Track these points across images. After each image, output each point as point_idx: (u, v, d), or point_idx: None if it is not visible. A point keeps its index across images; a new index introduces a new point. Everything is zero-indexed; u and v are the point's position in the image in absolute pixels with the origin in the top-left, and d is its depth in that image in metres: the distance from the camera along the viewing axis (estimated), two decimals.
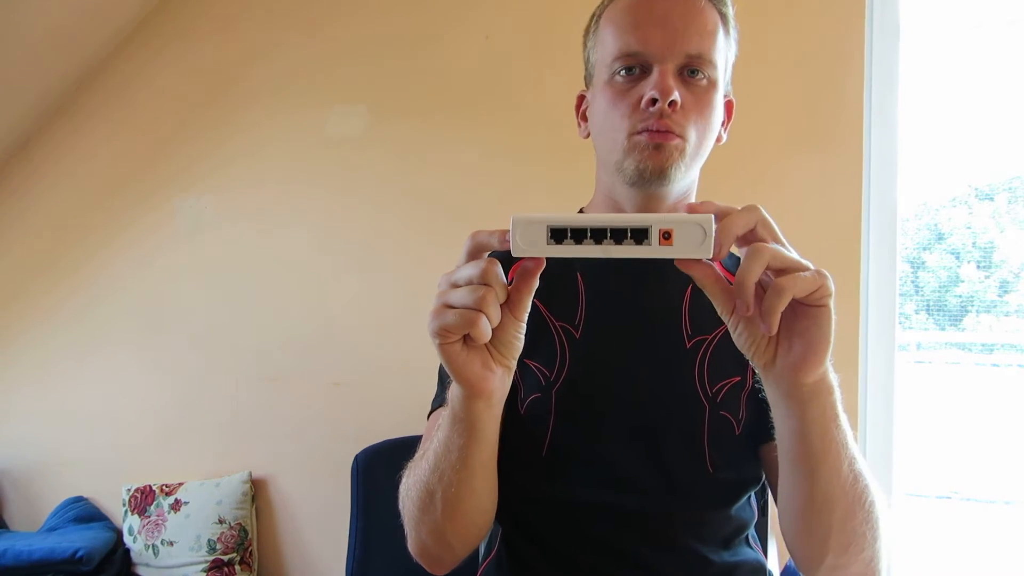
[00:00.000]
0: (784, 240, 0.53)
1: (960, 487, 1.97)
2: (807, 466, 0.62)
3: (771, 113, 1.74)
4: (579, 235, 0.50)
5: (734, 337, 0.57)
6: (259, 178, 2.08)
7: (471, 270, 0.54)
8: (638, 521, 0.79)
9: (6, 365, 2.23)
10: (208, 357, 2.10)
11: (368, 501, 1.57)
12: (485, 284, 0.54)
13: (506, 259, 0.53)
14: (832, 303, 0.53)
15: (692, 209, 0.52)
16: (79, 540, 1.87)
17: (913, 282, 1.92)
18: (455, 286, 0.55)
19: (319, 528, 2.02)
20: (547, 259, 0.53)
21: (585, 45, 0.88)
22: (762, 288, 0.53)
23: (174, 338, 2.12)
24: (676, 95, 0.75)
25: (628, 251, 0.49)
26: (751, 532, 0.88)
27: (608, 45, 0.81)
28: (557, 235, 0.50)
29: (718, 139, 0.86)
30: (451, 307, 0.54)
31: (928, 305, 1.93)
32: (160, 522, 1.96)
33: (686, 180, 0.82)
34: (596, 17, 0.85)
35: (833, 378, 0.59)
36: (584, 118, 0.89)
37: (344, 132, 2.02)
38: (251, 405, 2.07)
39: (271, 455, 2.05)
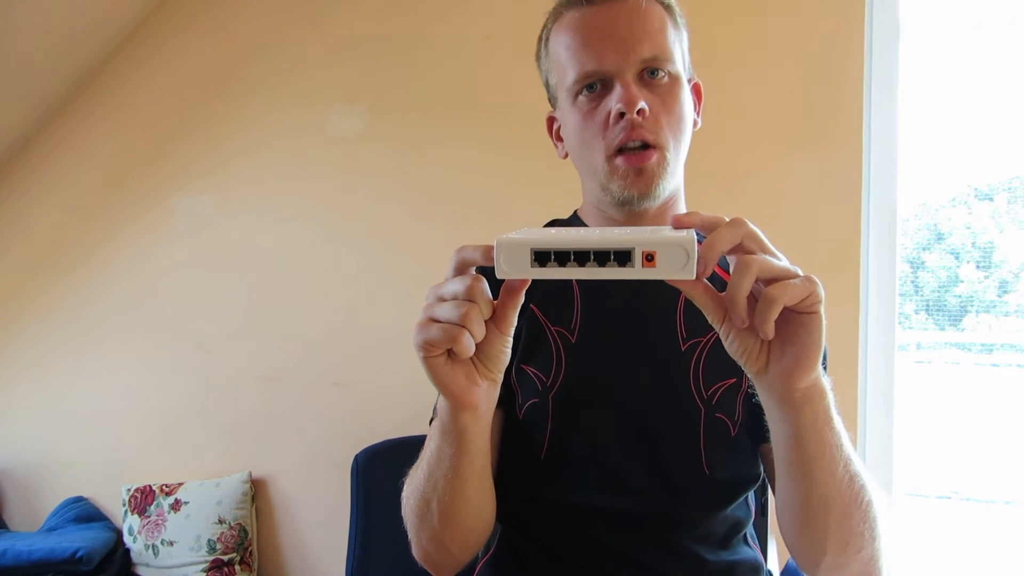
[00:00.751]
0: (772, 248, 0.53)
1: (960, 487, 1.97)
2: (803, 469, 0.62)
3: (771, 113, 1.74)
4: (562, 258, 0.50)
5: (726, 345, 0.57)
6: (258, 176, 2.08)
7: (456, 286, 0.55)
8: (636, 522, 0.80)
9: (6, 365, 2.23)
10: (208, 357, 2.10)
11: (368, 501, 1.57)
12: (470, 300, 0.54)
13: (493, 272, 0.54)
14: (823, 309, 0.53)
15: (677, 223, 0.53)
16: (79, 540, 1.87)
17: (913, 282, 1.92)
18: (441, 300, 0.56)
19: (319, 528, 2.02)
20: None
21: (540, 68, 0.89)
22: (753, 297, 0.53)
23: (174, 338, 2.12)
24: (642, 103, 0.76)
25: (611, 273, 0.50)
26: (749, 531, 0.89)
27: (563, 68, 0.82)
28: (541, 258, 0.50)
29: (694, 125, 0.86)
30: (436, 321, 0.55)
31: (928, 305, 1.93)
32: (160, 522, 1.96)
33: (672, 184, 0.83)
34: (544, 40, 0.87)
35: (826, 381, 0.59)
36: (559, 138, 0.90)
37: (344, 131, 2.02)
38: (251, 405, 2.07)
39: (271, 455, 2.05)
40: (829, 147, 1.69)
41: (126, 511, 2.00)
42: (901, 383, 1.68)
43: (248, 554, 1.98)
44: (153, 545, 1.95)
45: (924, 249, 1.96)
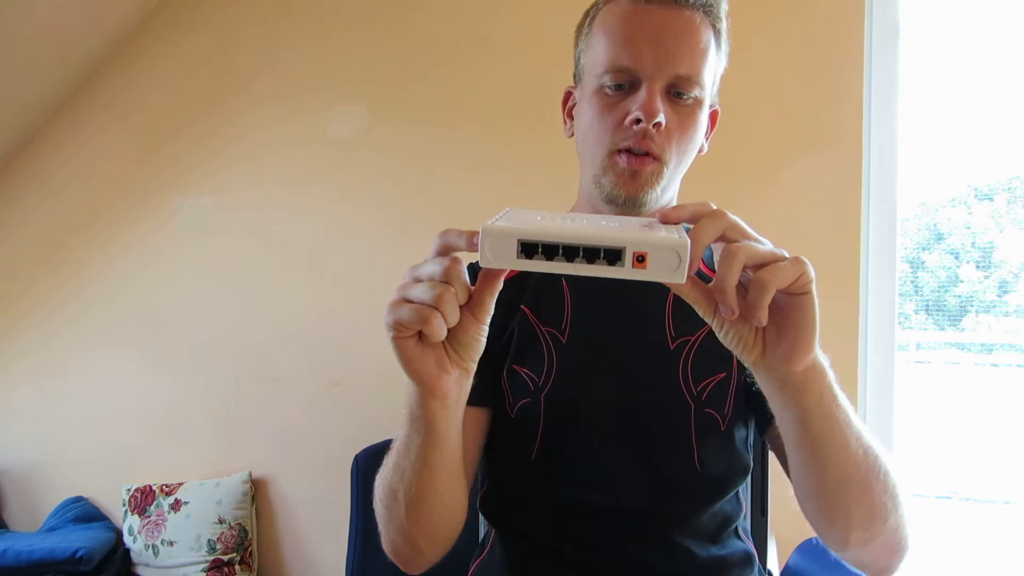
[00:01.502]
0: (755, 234, 0.53)
1: (960, 487, 1.97)
2: (815, 450, 0.62)
3: (771, 113, 1.74)
4: (550, 251, 0.48)
5: (720, 337, 0.57)
6: (259, 179, 2.08)
7: (433, 267, 0.54)
8: (628, 520, 0.80)
9: (7, 365, 2.23)
10: (208, 357, 2.10)
11: (368, 501, 1.56)
12: (445, 282, 0.53)
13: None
14: (814, 288, 0.53)
15: (664, 217, 0.52)
16: (79, 540, 1.87)
17: (913, 282, 1.93)
18: (417, 280, 0.54)
19: (319, 528, 2.02)
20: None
21: (577, 43, 0.88)
22: (742, 286, 0.53)
23: (174, 338, 2.12)
24: (661, 117, 0.76)
25: (599, 271, 0.48)
26: (742, 524, 0.89)
27: (599, 53, 0.81)
28: (527, 249, 0.48)
29: (700, 151, 0.87)
30: (408, 301, 0.54)
31: (928, 305, 1.93)
32: (160, 522, 1.96)
33: (665, 197, 0.84)
34: (590, 17, 0.85)
35: (824, 360, 0.58)
36: (570, 115, 0.90)
37: (344, 132, 2.02)
38: (251, 405, 2.07)
39: (271, 455, 2.05)
40: (829, 147, 1.69)
41: (126, 511, 2.00)
42: (901, 383, 1.68)
43: (248, 554, 1.98)
44: (153, 545, 1.95)
45: (924, 249, 1.96)
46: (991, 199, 1.93)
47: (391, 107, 2.00)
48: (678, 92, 0.79)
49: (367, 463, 1.60)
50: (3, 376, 2.23)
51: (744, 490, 0.89)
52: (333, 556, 1.96)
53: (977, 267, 1.91)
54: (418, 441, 0.64)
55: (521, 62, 1.91)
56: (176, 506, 1.97)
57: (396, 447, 0.69)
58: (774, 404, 0.62)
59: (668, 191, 0.84)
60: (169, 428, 2.11)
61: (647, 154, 0.78)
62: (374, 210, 2.00)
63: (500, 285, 0.55)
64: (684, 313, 0.82)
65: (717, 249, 0.53)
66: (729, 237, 0.52)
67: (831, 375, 0.59)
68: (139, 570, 1.97)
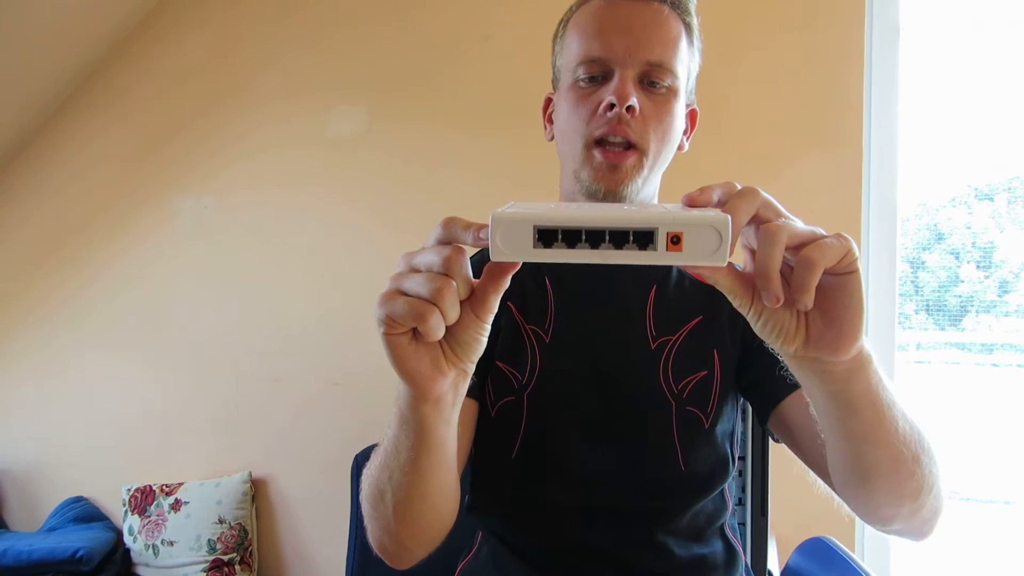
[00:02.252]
0: (788, 214, 0.49)
1: (960, 487, 1.97)
2: (867, 438, 0.58)
3: (771, 113, 1.74)
4: (572, 237, 0.42)
5: (756, 328, 0.51)
6: (259, 178, 2.08)
7: (432, 256, 0.48)
8: (609, 519, 0.80)
9: (7, 365, 2.22)
10: (208, 357, 2.10)
11: None
12: (445, 275, 0.47)
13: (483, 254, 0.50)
14: (860, 266, 0.48)
15: (691, 201, 0.47)
16: (79, 540, 1.87)
17: (913, 282, 1.93)
18: (413, 271, 0.49)
19: (319, 528, 2.02)
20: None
21: (553, 50, 0.90)
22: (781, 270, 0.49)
23: (174, 338, 2.12)
24: (634, 100, 0.77)
25: (630, 257, 0.42)
26: (730, 522, 0.89)
27: (572, 50, 0.82)
28: (546, 237, 0.42)
29: (680, 147, 0.87)
30: (403, 294, 0.48)
31: (928, 305, 1.93)
32: (160, 522, 1.96)
33: (645, 191, 0.83)
34: (564, 22, 0.87)
35: (868, 345, 0.54)
36: (550, 120, 0.91)
37: (344, 133, 2.02)
38: (251, 405, 2.06)
39: (271, 455, 2.05)
40: (829, 147, 1.69)
41: (126, 511, 2.00)
42: (901, 383, 1.68)
43: (248, 554, 1.98)
44: (153, 545, 1.95)
45: (924, 249, 1.96)
46: (991, 199, 1.93)
47: (391, 107, 2.00)
48: (651, 81, 0.79)
49: (367, 463, 1.60)
50: (3, 376, 2.23)
51: (729, 488, 0.89)
52: (333, 556, 1.96)
53: (977, 267, 1.91)
54: (407, 444, 0.59)
55: (521, 62, 1.90)
56: (176, 506, 1.97)
57: (385, 446, 0.64)
58: (814, 397, 0.58)
59: (650, 183, 0.83)
60: (169, 428, 2.11)
61: (627, 147, 0.78)
62: (374, 210, 2.00)
63: (508, 281, 0.49)
64: (665, 313, 0.84)
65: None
66: (763, 216, 0.47)
67: (876, 359, 0.55)
68: (139, 570, 1.97)
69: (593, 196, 0.81)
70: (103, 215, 2.16)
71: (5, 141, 2.14)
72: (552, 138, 0.90)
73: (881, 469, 0.61)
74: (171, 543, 1.94)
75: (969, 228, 1.95)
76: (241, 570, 1.94)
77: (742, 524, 1.17)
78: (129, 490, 2.01)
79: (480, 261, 0.86)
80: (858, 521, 1.69)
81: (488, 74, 1.93)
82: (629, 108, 0.77)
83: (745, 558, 0.90)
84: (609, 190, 0.79)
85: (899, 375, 1.68)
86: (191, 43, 2.13)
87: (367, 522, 0.71)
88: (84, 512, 2.07)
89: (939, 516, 0.69)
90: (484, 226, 0.45)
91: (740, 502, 1.18)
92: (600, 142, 0.79)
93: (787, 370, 0.56)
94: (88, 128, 2.18)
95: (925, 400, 1.94)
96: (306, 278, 2.04)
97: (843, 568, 1.03)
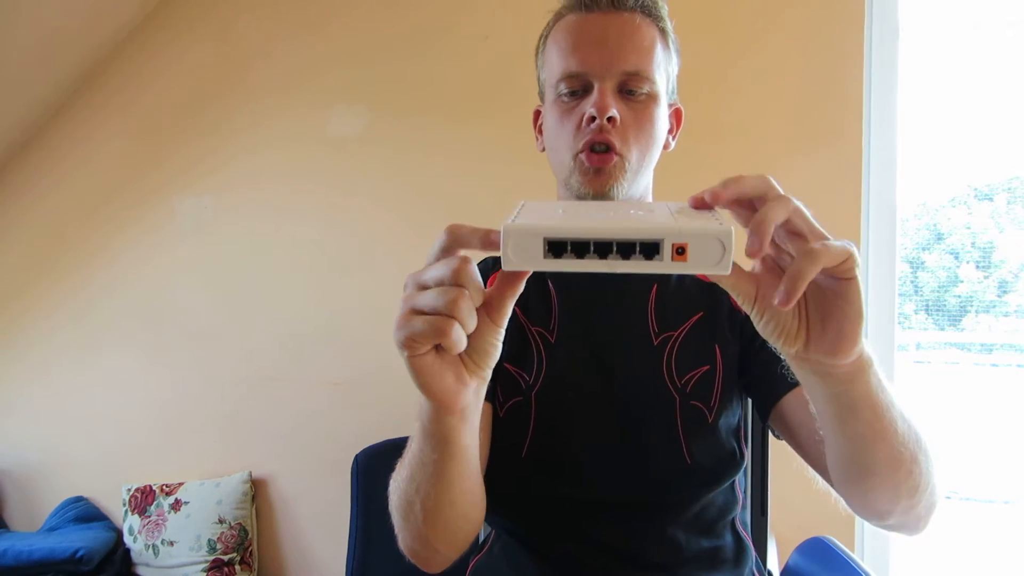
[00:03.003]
0: (816, 223, 0.50)
1: (960, 487, 1.97)
2: (865, 439, 0.60)
3: (771, 113, 1.74)
4: (581, 248, 0.44)
5: (759, 326, 0.53)
6: (259, 177, 2.08)
7: (440, 270, 0.48)
8: (619, 513, 0.81)
9: (7, 365, 2.23)
10: (208, 357, 2.10)
11: (368, 501, 1.57)
12: (458, 285, 0.48)
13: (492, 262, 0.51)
14: (860, 275, 0.50)
15: (697, 203, 0.48)
16: (79, 540, 1.87)
17: (912, 282, 1.93)
18: (423, 287, 0.49)
19: (319, 528, 2.02)
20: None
21: (536, 64, 0.93)
22: (780, 269, 0.51)
23: (174, 337, 2.12)
24: (613, 111, 0.80)
25: (637, 266, 0.44)
26: (740, 516, 0.90)
27: (553, 66, 0.86)
28: (555, 248, 0.44)
29: (666, 146, 0.90)
30: (420, 312, 0.48)
31: (927, 305, 1.94)
32: (160, 522, 1.96)
33: (633, 191, 0.86)
34: (543, 38, 0.90)
35: (869, 347, 0.55)
36: (540, 132, 0.94)
37: (344, 132, 2.02)
38: (251, 405, 2.07)
39: (271, 455, 2.05)
40: (829, 147, 1.70)
41: (126, 511, 2.00)
42: (901, 383, 1.68)
43: (248, 554, 1.98)
44: (153, 545, 1.95)
45: (924, 249, 1.96)
46: (991, 199, 1.93)
47: (391, 106, 2.00)
48: (629, 90, 0.82)
49: (367, 463, 1.60)
50: (3, 376, 2.23)
51: (741, 482, 0.90)
52: (333, 556, 1.96)
53: (977, 267, 1.91)
54: (433, 457, 0.60)
55: (523, 61, 1.90)
56: (176, 506, 1.97)
57: (410, 460, 0.65)
58: (814, 397, 0.59)
59: (637, 184, 0.86)
60: (169, 428, 2.11)
61: (608, 150, 0.81)
62: (375, 209, 2.00)
63: (522, 287, 0.50)
64: (667, 309, 0.86)
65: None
66: (794, 223, 0.48)
67: (876, 361, 0.56)
68: (139, 570, 1.97)
69: (583, 200, 0.84)
70: (102, 214, 2.16)
71: (5, 140, 2.15)
72: (543, 149, 0.93)
73: (879, 468, 0.62)
74: (171, 543, 1.94)
75: (969, 228, 1.95)
76: (241, 570, 1.95)
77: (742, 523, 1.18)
78: (129, 490, 2.02)
79: (486, 269, 0.89)
80: (858, 521, 1.70)
81: (488, 72, 1.93)
82: (610, 119, 0.80)
83: (755, 553, 0.91)
84: (597, 192, 0.82)
85: (899, 375, 1.68)
86: (190, 43, 2.13)
87: (397, 531, 0.73)
88: (84, 512, 2.07)
89: (934, 512, 0.70)
90: (491, 232, 0.46)
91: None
92: (584, 149, 0.82)
93: (787, 367, 0.57)
94: (88, 128, 2.18)
95: (925, 400, 1.95)
96: (306, 278, 2.04)
97: (843, 568, 1.03)
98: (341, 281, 2.02)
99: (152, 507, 1.98)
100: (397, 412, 1.85)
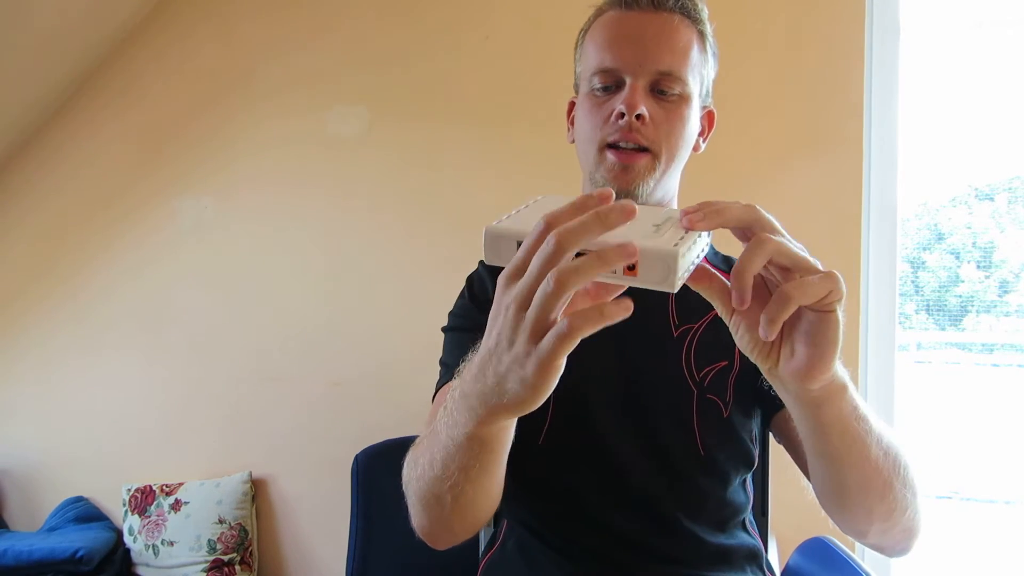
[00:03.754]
0: (789, 237, 0.49)
1: (960, 487, 1.97)
2: (834, 460, 0.61)
3: (771, 113, 1.74)
4: None
5: (736, 338, 0.54)
6: (259, 179, 2.08)
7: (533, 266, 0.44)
8: (635, 504, 0.82)
9: (8, 365, 2.22)
10: (208, 357, 2.10)
11: (368, 501, 1.57)
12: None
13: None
14: (841, 308, 0.49)
15: (691, 225, 0.48)
16: (79, 540, 1.87)
17: (913, 282, 1.93)
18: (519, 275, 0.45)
19: (319, 528, 2.02)
20: None
21: (575, 58, 0.94)
22: (766, 288, 0.50)
23: (174, 338, 2.12)
24: (643, 109, 0.81)
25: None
26: (748, 517, 0.91)
27: (588, 59, 0.87)
28: None
29: (695, 148, 0.90)
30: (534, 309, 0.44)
31: (928, 305, 1.93)
32: (160, 522, 1.96)
33: (659, 191, 0.86)
34: (583, 32, 0.91)
35: (843, 374, 0.55)
36: (572, 123, 0.95)
37: (344, 133, 2.02)
38: (251, 405, 2.06)
39: (271, 455, 2.05)
40: (829, 147, 1.69)
41: (126, 511, 2.00)
42: (901, 383, 1.68)
43: (248, 554, 1.98)
44: (153, 545, 1.95)
45: (924, 249, 1.96)
46: (992, 199, 1.93)
47: (392, 107, 2.00)
48: (661, 90, 0.83)
49: (367, 463, 1.60)
50: (3, 376, 2.23)
51: (749, 483, 0.90)
52: (333, 556, 1.95)
53: (978, 267, 1.91)
54: (474, 453, 0.58)
55: (523, 61, 1.91)
56: (176, 506, 1.97)
57: (442, 456, 0.61)
58: (792, 413, 0.60)
59: (663, 186, 0.86)
60: (169, 428, 2.11)
61: (638, 149, 0.82)
62: (375, 209, 2.00)
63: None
64: (687, 302, 0.85)
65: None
66: (777, 261, 0.48)
67: (852, 388, 0.56)
68: (139, 570, 1.97)
69: None
70: (103, 215, 2.16)
71: (6, 141, 2.15)
72: (573, 141, 0.94)
73: (849, 490, 0.64)
74: (171, 543, 1.94)
75: (969, 228, 1.95)
76: (241, 570, 1.94)
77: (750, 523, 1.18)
78: (129, 490, 2.02)
79: (480, 274, 0.90)
80: None
81: (488, 74, 1.93)
82: (639, 116, 0.80)
83: (765, 553, 0.91)
84: (622, 189, 0.83)
85: (899, 375, 1.68)
86: (191, 43, 2.13)
87: (415, 515, 0.71)
88: (84, 512, 2.07)
89: (914, 538, 0.72)
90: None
91: None
92: (612, 146, 0.83)
93: None
94: (88, 129, 2.18)
95: (925, 400, 1.94)
96: (306, 278, 2.04)
97: (843, 568, 1.03)
98: (341, 281, 2.02)
99: (152, 507, 1.98)
100: (397, 412, 1.85)
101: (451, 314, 0.93)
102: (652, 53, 0.81)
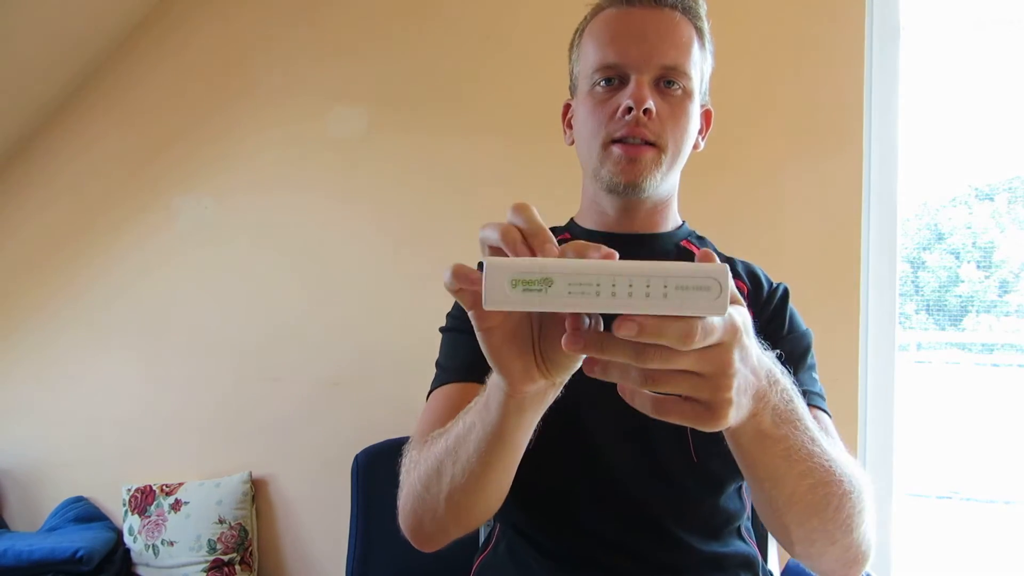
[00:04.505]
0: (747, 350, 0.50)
1: (960, 487, 1.97)
2: (750, 476, 0.62)
3: (771, 113, 1.73)
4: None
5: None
6: (259, 179, 2.08)
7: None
8: (627, 510, 0.81)
9: (7, 365, 2.22)
10: (208, 357, 2.10)
11: (368, 501, 1.57)
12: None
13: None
14: (733, 394, 0.48)
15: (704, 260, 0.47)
16: (79, 540, 1.87)
17: (913, 282, 1.93)
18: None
19: (319, 528, 2.02)
20: None
21: (570, 58, 0.94)
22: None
23: (174, 338, 2.12)
24: (650, 103, 0.80)
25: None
26: (745, 524, 0.90)
27: (589, 58, 0.86)
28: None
29: (695, 147, 0.90)
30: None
31: (928, 305, 1.93)
32: (160, 522, 1.96)
33: (664, 187, 0.86)
34: (579, 32, 0.91)
35: (759, 394, 0.53)
36: (569, 126, 0.95)
37: (344, 133, 2.01)
38: (251, 405, 2.06)
39: (271, 455, 2.05)
40: (829, 147, 1.69)
41: (126, 511, 2.00)
42: (901, 383, 1.68)
43: (248, 554, 1.98)
44: (153, 545, 1.95)
45: (924, 249, 1.96)
46: (992, 199, 1.93)
47: (392, 108, 2.00)
48: (667, 82, 0.83)
49: (367, 463, 1.60)
50: (3, 376, 2.23)
51: (746, 489, 0.90)
52: (333, 556, 1.95)
53: (978, 267, 1.91)
54: (480, 435, 0.61)
55: (526, 64, 1.91)
56: (176, 506, 1.97)
57: (455, 436, 0.65)
58: None
59: (668, 180, 0.86)
60: (169, 428, 2.11)
61: (643, 143, 0.82)
62: (375, 211, 2.00)
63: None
64: None
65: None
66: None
67: (769, 421, 0.54)
68: (139, 570, 1.97)
69: (614, 190, 0.84)
70: (103, 216, 2.16)
71: (6, 142, 2.14)
72: (572, 143, 0.93)
73: (766, 508, 0.64)
74: (171, 543, 1.94)
75: (969, 228, 1.95)
76: (241, 570, 1.94)
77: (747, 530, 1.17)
78: (129, 490, 2.02)
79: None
80: None
81: (490, 77, 1.93)
82: (646, 111, 0.80)
83: (764, 561, 0.91)
84: (629, 182, 0.83)
85: (899, 375, 1.68)
86: (192, 45, 2.13)
87: (408, 503, 0.72)
88: (84, 512, 2.07)
89: (856, 567, 0.69)
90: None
91: None
92: (617, 140, 0.83)
93: None
94: (88, 129, 2.18)
95: (925, 400, 1.94)
96: (306, 278, 2.04)
97: None
98: (342, 282, 2.02)
99: (152, 507, 1.98)
100: (397, 412, 1.85)
101: (449, 315, 0.93)
102: (657, 48, 0.81)
